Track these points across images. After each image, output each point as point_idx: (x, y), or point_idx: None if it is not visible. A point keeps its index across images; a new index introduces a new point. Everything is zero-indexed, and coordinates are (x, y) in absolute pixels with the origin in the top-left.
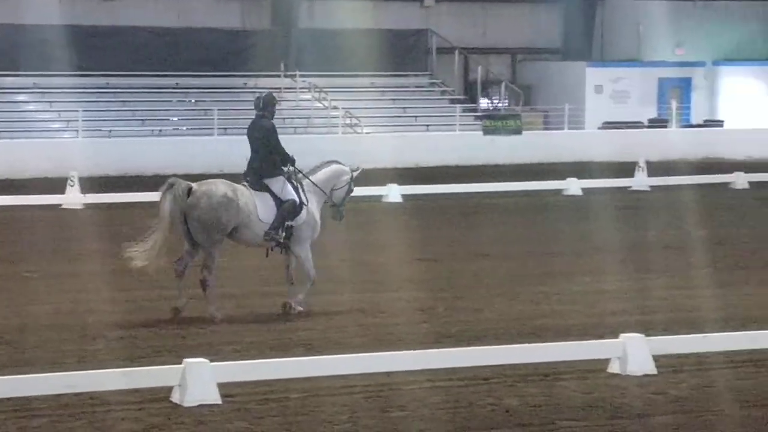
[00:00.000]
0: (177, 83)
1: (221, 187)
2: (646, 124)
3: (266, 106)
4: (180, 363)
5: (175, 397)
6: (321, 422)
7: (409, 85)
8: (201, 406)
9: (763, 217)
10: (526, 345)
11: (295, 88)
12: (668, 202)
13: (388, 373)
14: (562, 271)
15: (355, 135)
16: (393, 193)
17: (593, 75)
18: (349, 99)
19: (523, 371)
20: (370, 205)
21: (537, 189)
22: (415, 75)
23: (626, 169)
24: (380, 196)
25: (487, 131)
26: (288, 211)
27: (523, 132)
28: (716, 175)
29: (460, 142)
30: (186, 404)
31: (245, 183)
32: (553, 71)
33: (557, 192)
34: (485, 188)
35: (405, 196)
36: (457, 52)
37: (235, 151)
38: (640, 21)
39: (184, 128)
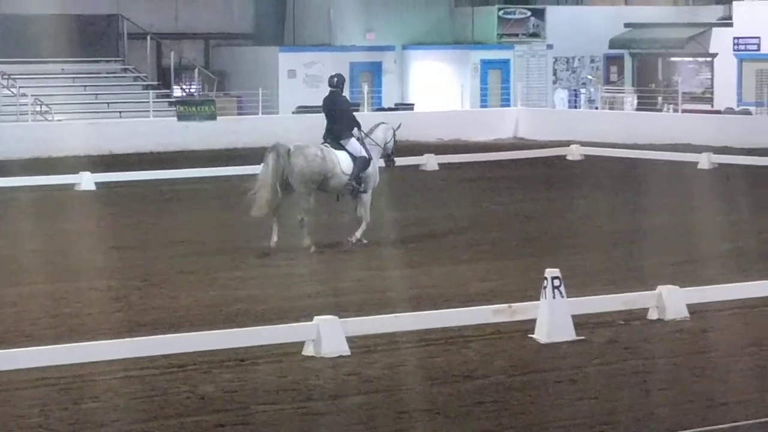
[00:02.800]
0: None
1: (313, 148)
2: None
3: (339, 83)
4: None
5: None
6: (12, 417)
7: (100, 71)
8: None
9: (454, 198)
10: (221, 331)
11: None
12: None
13: (81, 364)
14: (259, 255)
15: (46, 122)
16: (86, 180)
17: (286, 60)
18: (39, 86)
19: (219, 357)
20: (63, 194)
21: (231, 174)
22: (107, 61)
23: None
24: (73, 185)
25: (181, 117)
26: (362, 164)
27: (218, 117)
28: (408, 158)
29: (154, 128)
30: None
31: (326, 144)
32: (247, 56)
33: (252, 177)
34: (180, 175)
35: (98, 184)
36: (149, 37)
37: None
38: (331, 6)
39: None
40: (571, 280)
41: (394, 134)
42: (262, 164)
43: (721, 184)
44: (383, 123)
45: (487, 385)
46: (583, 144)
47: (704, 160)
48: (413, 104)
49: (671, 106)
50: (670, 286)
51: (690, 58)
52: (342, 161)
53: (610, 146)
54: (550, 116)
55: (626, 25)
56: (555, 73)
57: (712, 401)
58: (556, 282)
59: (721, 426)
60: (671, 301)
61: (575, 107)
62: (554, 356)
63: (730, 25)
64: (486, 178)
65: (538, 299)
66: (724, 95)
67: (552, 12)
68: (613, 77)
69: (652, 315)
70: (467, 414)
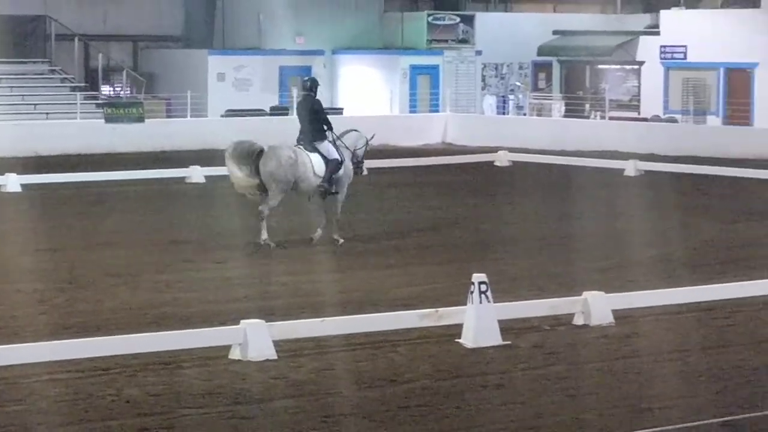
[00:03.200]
0: None
1: (286, 150)
2: (268, 111)
3: (312, 87)
4: None
5: None
6: None
7: (27, 73)
8: None
9: (382, 202)
10: (147, 334)
11: None
12: None
13: (6, 367)
14: (186, 258)
15: None
16: (11, 182)
17: (215, 63)
18: None
19: (144, 360)
20: None
21: (160, 177)
22: (34, 62)
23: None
24: None
25: (109, 119)
26: (334, 166)
27: (146, 120)
28: None
29: (82, 130)
30: None
31: (300, 146)
32: (176, 59)
33: (180, 180)
34: (108, 177)
35: (24, 186)
36: (77, 38)
37: None
38: (261, 10)
39: None
40: (497, 286)
41: (367, 143)
42: (232, 168)
43: (647, 191)
44: (355, 131)
45: (414, 389)
46: (511, 150)
47: (631, 167)
48: (342, 109)
49: (598, 113)
50: (595, 291)
51: (617, 66)
52: (315, 163)
53: (537, 152)
54: (479, 122)
55: (555, 33)
56: (484, 80)
57: (636, 406)
58: (483, 287)
59: (645, 430)
60: (596, 306)
61: (504, 113)
62: (480, 361)
63: (657, 33)
64: (414, 184)
65: (465, 304)
66: (651, 103)
67: (481, 18)
68: (541, 84)
69: (578, 320)
70: (393, 418)
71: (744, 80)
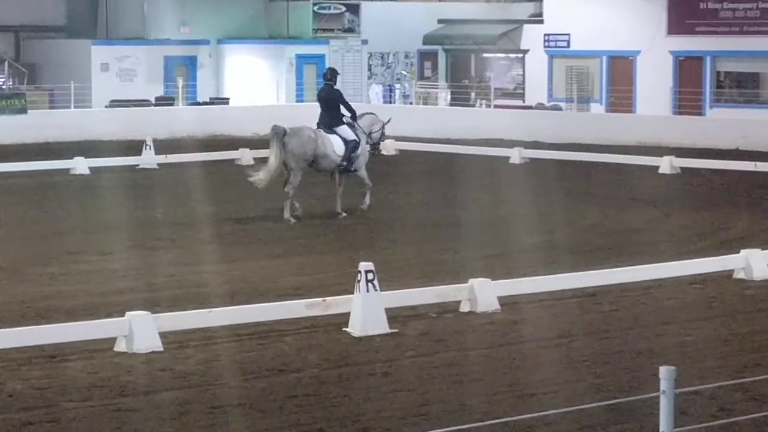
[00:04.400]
0: None
1: (307, 130)
2: (153, 102)
3: (332, 77)
4: None
5: None
6: None
7: None
8: None
9: (268, 192)
10: (30, 327)
11: None
12: (177, 180)
13: None
14: (71, 251)
15: None
16: None
17: (99, 53)
18: None
19: (28, 354)
20: None
21: (44, 169)
22: None
23: (134, 147)
24: None
25: None
26: (352, 146)
27: (29, 111)
28: (223, 152)
29: None
30: None
31: (320, 128)
32: (59, 49)
33: (65, 171)
34: None
35: None
36: None
37: None
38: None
39: None
40: (384, 274)
41: (384, 126)
42: (270, 148)
43: (532, 179)
44: (371, 114)
45: (301, 378)
46: (398, 139)
47: (516, 155)
48: (228, 99)
49: (484, 101)
50: (481, 278)
51: (502, 54)
52: (335, 144)
53: (424, 141)
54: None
55: (440, 21)
56: (370, 69)
57: (522, 391)
58: (370, 275)
59: (530, 415)
60: (483, 293)
61: (390, 102)
62: (368, 349)
63: (541, 22)
64: (307, 173)
65: (352, 293)
66: (536, 91)
67: (366, 8)
68: (427, 73)
69: (465, 307)
70: (281, 408)
71: (626, 68)
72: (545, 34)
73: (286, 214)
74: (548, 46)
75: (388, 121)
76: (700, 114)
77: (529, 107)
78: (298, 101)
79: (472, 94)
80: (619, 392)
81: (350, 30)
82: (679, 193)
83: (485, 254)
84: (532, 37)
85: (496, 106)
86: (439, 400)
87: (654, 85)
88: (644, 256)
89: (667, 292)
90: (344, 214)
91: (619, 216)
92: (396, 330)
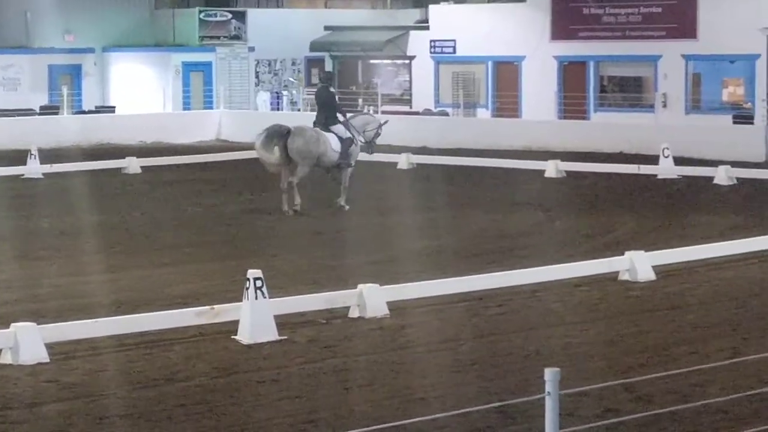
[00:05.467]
0: None
1: (310, 130)
2: (37, 111)
3: (327, 79)
4: None
5: None
6: None
7: None
8: None
9: (155, 201)
10: None
11: None
12: (62, 189)
13: None
14: None
15: None
16: None
17: None
18: None
19: None
20: None
21: None
22: None
23: (19, 157)
24: None
25: None
26: (348, 144)
27: None
28: (110, 161)
29: None
30: None
31: (317, 127)
32: None
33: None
34: None
35: None
36: None
37: None
38: (28, 8)
39: None
40: (273, 281)
41: (380, 126)
42: (262, 149)
43: (420, 184)
44: (365, 114)
45: (190, 387)
46: None
47: (403, 161)
48: (114, 107)
49: (371, 107)
50: (370, 284)
51: (389, 61)
52: (332, 142)
53: None
54: (253, 118)
55: (326, 28)
56: (257, 76)
57: (411, 396)
58: (258, 283)
59: (419, 419)
60: (371, 299)
61: (278, 109)
62: (257, 357)
63: (427, 28)
64: (189, 181)
65: (241, 300)
66: (423, 97)
67: (253, 15)
68: (315, 79)
69: (354, 313)
70: (169, 417)
71: (512, 73)
72: (431, 41)
73: (285, 207)
74: (434, 52)
75: (386, 122)
76: (584, 118)
77: (417, 113)
78: (185, 109)
79: (360, 101)
80: (507, 394)
81: (237, 37)
82: (565, 197)
83: (374, 260)
84: (418, 43)
85: (383, 112)
86: (328, 406)
87: (539, 90)
88: (531, 260)
89: (553, 295)
90: (347, 207)
91: (506, 220)
92: (285, 337)
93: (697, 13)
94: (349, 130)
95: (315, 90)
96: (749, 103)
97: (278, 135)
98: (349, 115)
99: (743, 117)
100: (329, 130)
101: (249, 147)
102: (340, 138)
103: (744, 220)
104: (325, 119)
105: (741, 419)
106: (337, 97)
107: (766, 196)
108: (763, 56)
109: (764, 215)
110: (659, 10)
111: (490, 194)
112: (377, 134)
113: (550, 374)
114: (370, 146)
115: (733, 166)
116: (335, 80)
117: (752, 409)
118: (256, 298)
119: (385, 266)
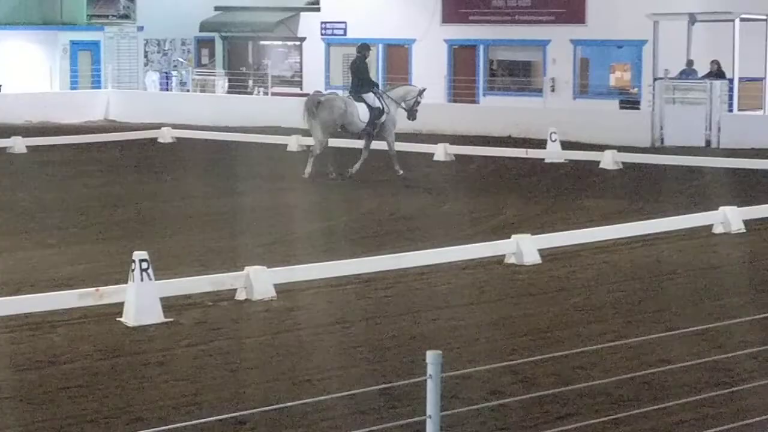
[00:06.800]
0: None
1: (339, 101)
2: None
3: (361, 50)
4: None
5: None
6: None
7: None
8: None
9: (42, 181)
10: None
11: None
12: None
13: None
14: None
15: None
16: None
17: None
18: None
19: None
20: None
21: None
22: None
23: None
24: None
25: None
26: (376, 114)
27: None
28: None
29: None
30: None
31: (350, 96)
32: None
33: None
34: None
35: None
36: None
37: None
38: None
39: None
40: (160, 263)
41: (419, 94)
42: (306, 119)
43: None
44: (407, 85)
45: (73, 370)
46: (175, 126)
47: (293, 142)
48: (0, 85)
49: (261, 89)
50: (257, 266)
51: (279, 42)
52: (360, 111)
53: (201, 129)
54: (142, 98)
55: (216, 9)
56: (146, 56)
57: (297, 378)
58: (144, 264)
59: (305, 401)
60: (258, 281)
61: (167, 90)
62: (142, 339)
63: (318, 9)
64: (75, 161)
65: (126, 282)
66: (313, 79)
67: None
68: (205, 60)
69: (240, 295)
70: (52, 400)
71: (402, 56)
72: (322, 22)
73: (307, 170)
74: (325, 34)
75: (424, 89)
76: (474, 102)
77: (307, 95)
78: (72, 88)
79: (250, 82)
80: (394, 377)
81: (126, 16)
82: (453, 180)
83: (262, 242)
84: (309, 24)
85: (273, 94)
86: (214, 389)
87: (429, 73)
88: (419, 242)
89: (440, 278)
90: (401, 172)
91: (395, 202)
92: (171, 319)
93: None
94: (381, 100)
95: (351, 60)
96: (636, 89)
97: (311, 104)
98: (388, 87)
99: (630, 102)
100: (361, 99)
101: (138, 127)
102: (369, 106)
103: (629, 204)
104: (358, 88)
105: (623, 401)
106: (367, 72)
107: (651, 181)
108: (650, 42)
109: (649, 199)
110: None
111: (379, 176)
112: (417, 102)
113: (431, 357)
114: (411, 113)
115: (619, 151)
116: (367, 52)
117: (634, 391)
118: (142, 280)
119: (274, 248)
